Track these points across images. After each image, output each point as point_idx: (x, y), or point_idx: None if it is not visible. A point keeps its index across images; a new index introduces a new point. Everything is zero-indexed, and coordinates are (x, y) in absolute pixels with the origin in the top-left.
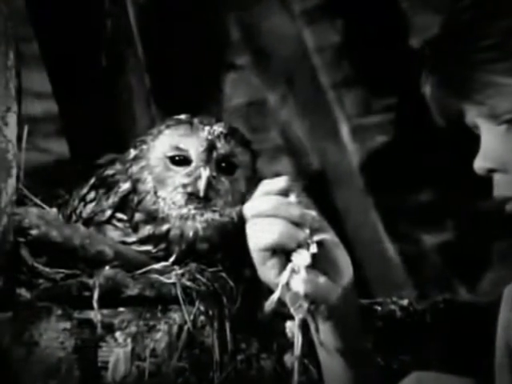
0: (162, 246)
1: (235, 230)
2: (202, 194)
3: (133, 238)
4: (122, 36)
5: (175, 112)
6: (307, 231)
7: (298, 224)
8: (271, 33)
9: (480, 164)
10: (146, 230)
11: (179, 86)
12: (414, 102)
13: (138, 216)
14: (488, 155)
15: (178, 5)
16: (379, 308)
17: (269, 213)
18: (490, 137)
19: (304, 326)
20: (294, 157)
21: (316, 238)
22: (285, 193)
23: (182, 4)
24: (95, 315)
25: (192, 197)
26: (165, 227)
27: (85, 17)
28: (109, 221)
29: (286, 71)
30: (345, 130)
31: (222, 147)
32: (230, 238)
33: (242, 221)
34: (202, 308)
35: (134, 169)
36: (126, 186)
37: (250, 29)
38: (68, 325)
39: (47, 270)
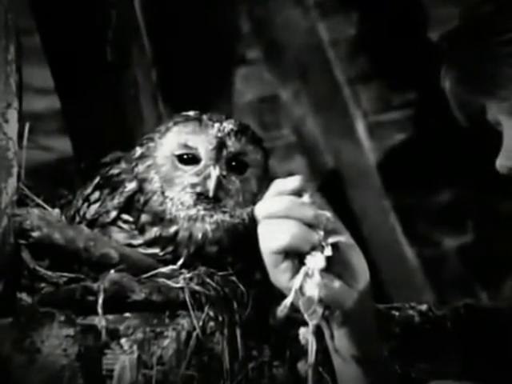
0: (170, 248)
1: (246, 232)
2: (211, 194)
3: (139, 241)
4: (128, 28)
5: (183, 108)
6: (321, 233)
7: (311, 225)
8: (284, 26)
9: (502, 162)
10: (153, 231)
11: (187, 81)
12: (434, 97)
13: (144, 217)
14: (511, 153)
15: None
16: (397, 313)
17: (281, 214)
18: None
19: (318, 333)
20: (308, 155)
21: (331, 240)
22: (298, 193)
23: None
24: (100, 321)
25: (201, 197)
26: (172, 229)
27: (88, 8)
28: (114, 222)
29: (299, 66)
30: (361, 127)
31: (232, 145)
32: (241, 241)
33: (253, 222)
34: (211, 313)
35: (140, 168)
36: (131, 186)
37: (262, 21)
38: (71, 331)
39: (49, 273)
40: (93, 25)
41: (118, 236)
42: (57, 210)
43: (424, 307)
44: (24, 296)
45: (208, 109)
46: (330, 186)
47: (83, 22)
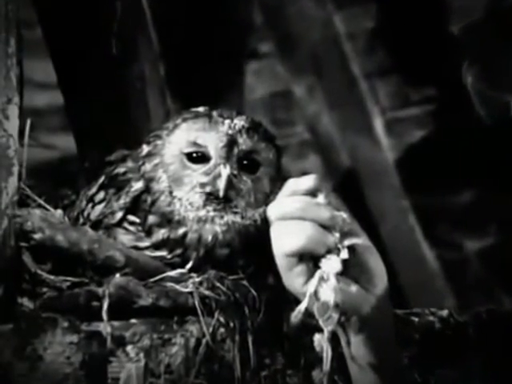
0: (178, 251)
1: (258, 234)
2: (221, 194)
3: (146, 243)
4: (134, 20)
5: (192, 104)
6: (337, 235)
7: (327, 227)
8: (298, 17)
9: None
10: (161, 233)
11: (196, 75)
12: (455, 93)
13: (151, 218)
14: None
15: None
16: (416, 319)
17: (295, 215)
18: None
19: (334, 340)
20: (323, 153)
21: (347, 242)
22: (313, 193)
23: None
24: (105, 327)
25: (211, 197)
26: (181, 231)
27: (93, 0)
28: (120, 224)
29: (313, 59)
30: (379, 124)
31: (243, 143)
32: (253, 243)
33: (265, 224)
34: (221, 319)
35: (147, 167)
36: (138, 186)
37: (275, 13)
38: (75, 338)
39: (52, 277)
40: (97, 17)
41: (124, 238)
42: (59, 211)
43: (445, 313)
44: (25, 301)
45: (218, 105)
46: (346, 186)
47: (87, 13)
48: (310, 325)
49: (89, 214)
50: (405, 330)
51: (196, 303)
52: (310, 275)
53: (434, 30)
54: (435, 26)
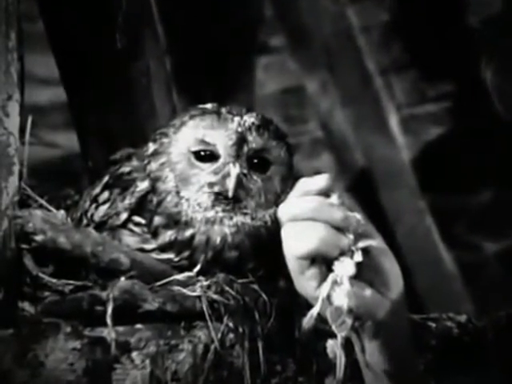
0: (186, 253)
1: (269, 236)
2: (230, 194)
3: (152, 245)
4: (140, 14)
5: (200, 100)
6: (351, 237)
7: (340, 228)
8: (310, 10)
9: None
10: (167, 235)
11: (204, 70)
12: (474, 88)
13: (157, 219)
14: None
15: None
16: (433, 325)
17: (307, 216)
18: None
19: (347, 346)
20: (336, 152)
21: (361, 244)
22: (325, 193)
23: None
24: (109, 333)
25: (220, 197)
26: (188, 232)
27: None
28: (124, 225)
29: (326, 54)
30: (394, 121)
31: (253, 141)
32: (263, 245)
33: (276, 225)
34: (230, 325)
35: (153, 166)
36: (143, 186)
37: (287, 5)
38: (78, 344)
39: (54, 281)
40: (101, 10)
41: (129, 240)
42: (62, 212)
43: (463, 318)
44: (26, 305)
45: (227, 101)
46: (360, 186)
47: (91, 6)
48: (322, 330)
49: (92, 215)
50: (421, 335)
51: (204, 308)
52: (323, 279)
53: (452, 22)
54: (453, 18)
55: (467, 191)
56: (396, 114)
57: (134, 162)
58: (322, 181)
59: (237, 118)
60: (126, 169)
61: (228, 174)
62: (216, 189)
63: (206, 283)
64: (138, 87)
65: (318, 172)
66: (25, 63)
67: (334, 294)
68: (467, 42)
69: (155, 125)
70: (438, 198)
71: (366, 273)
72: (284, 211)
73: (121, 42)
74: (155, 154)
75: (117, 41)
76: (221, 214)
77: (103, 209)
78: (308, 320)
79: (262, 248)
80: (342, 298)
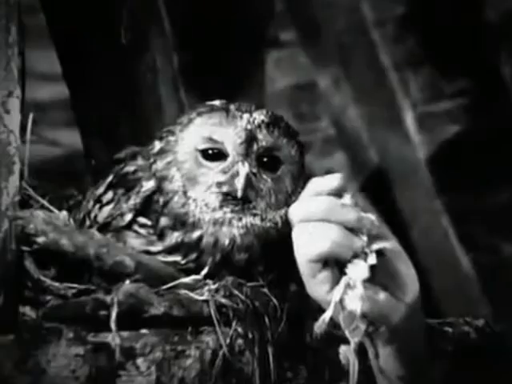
0: (193, 256)
1: (279, 238)
2: (239, 194)
3: (158, 247)
4: (146, 7)
5: (208, 97)
6: (365, 238)
7: (353, 230)
8: (323, 3)
9: None
10: (174, 237)
11: (213, 66)
12: (492, 84)
13: (163, 221)
14: None
15: None
16: (450, 329)
17: (319, 217)
18: None
19: (361, 351)
20: (349, 150)
21: (375, 246)
22: (338, 193)
23: None
24: (113, 338)
25: (228, 198)
26: (196, 234)
27: None
28: (129, 226)
29: (339, 49)
30: (410, 119)
31: (263, 139)
32: (274, 247)
33: (287, 226)
34: (239, 330)
35: (159, 165)
36: (149, 185)
37: None
38: (81, 350)
39: (56, 284)
40: (105, 3)
41: (134, 242)
42: (64, 213)
43: (481, 322)
44: (27, 310)
45: (236, 98)
46: (374, 185)
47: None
48: (335, 336)
49: (96, 216)
50: (437, 341)
51: (212, 312)
52: (336, 282)
53: (469, 16)
54: (470, 12)
55: (485, 191)
56: (411, 111)
57: (140, 161)
58: (334, 180)
59: (246, 115)
60: (130, 168)
61: (237, 174)
62: (224, 189)
63: (214, 287)
64: (144, 83)
65: (330, 171)
66: (26, 58)
67: (346, 297)
68: (485, 37)
69: (161, 122)
70: (454, 198)
71: (380, 276)
72: (295, 212)
73: (125, 37)
74: (161, 152)
75: (121, 36)
76: (229, 215)
77: (107, 209)
78: (320, 325)
79: (273, 250)
80: (355, 302)
